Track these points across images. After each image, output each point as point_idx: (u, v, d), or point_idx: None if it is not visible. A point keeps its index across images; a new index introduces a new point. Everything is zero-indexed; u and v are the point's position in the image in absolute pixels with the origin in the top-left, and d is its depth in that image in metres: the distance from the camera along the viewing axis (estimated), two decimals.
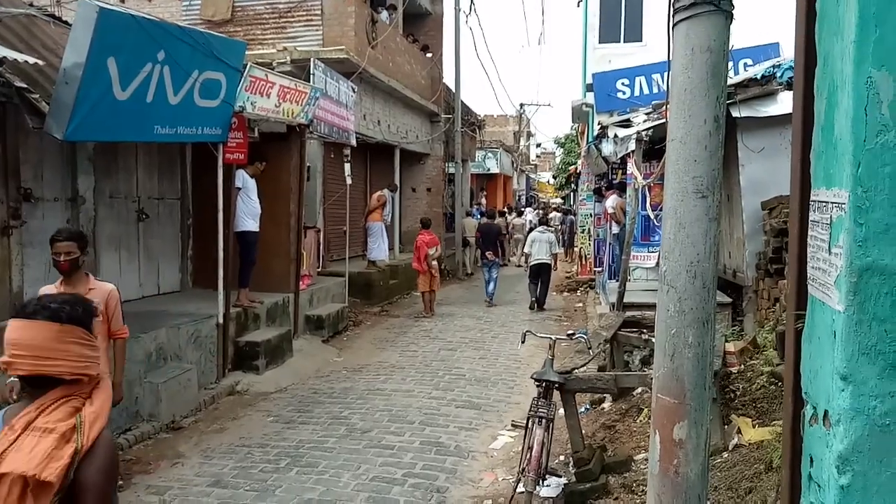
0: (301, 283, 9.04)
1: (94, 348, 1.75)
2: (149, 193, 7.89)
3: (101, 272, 7.04)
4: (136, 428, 5.57)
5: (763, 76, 6.78)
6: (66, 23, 6.95)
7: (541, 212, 23.61)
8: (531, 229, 15.89)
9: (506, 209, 24.64)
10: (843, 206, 1.72)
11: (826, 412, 1.82)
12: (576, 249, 18.26)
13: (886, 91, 1.63)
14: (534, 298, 12.46)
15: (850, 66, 1.67)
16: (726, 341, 5.60)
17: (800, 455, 2.06)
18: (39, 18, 6.47)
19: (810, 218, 2.00)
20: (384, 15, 13.97)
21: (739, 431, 4.38)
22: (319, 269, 10.98)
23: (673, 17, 2.22)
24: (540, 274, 12.36)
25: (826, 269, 1.84)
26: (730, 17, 2.15)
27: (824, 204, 1.87)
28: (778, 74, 6.67)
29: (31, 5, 7.13)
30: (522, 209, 26.52)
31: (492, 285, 13.02)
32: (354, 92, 10.94)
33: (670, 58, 2.24)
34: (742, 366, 5.26)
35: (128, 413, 5.54)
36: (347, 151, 10.78)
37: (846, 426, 1.71)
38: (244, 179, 7.51)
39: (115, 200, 7.34)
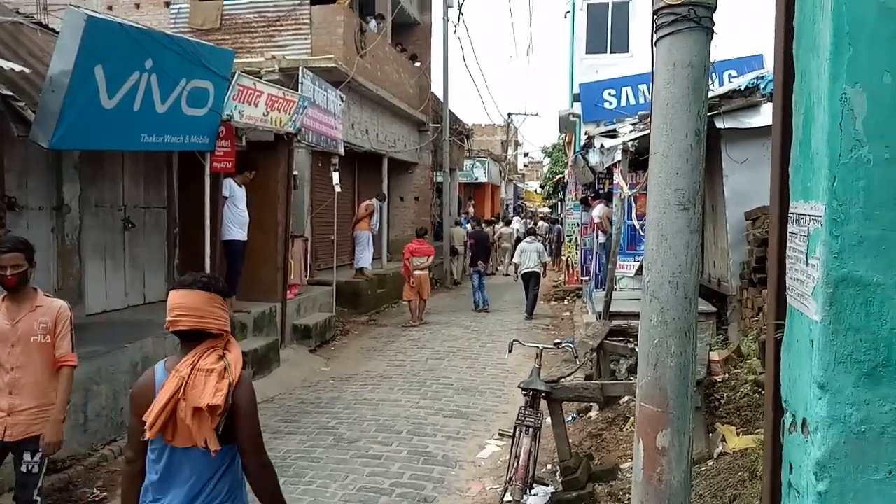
0: (288, 292, 9.01)
1: (227, 312, 2.39)
2: (135, 202, 7.85)
3: (86, 281, 7.00)
4: (122, 438, 5.50)
5: (747, 88, 6.89)
6: (52, 30, 6.93)
7: (529, 221, 23.75)
8: (518, 240, 16.33)
9: (493, 218, 24.71)
10: (820, 218, 1.76)
11: (804, 420, 1.85)
12: (563, 258, 18.40)
13: (860, 107, 1.68)
14: (527, 305, 12.64)
15: (825, 83, 1.72)
16: (711, 350, 5.66)
17: (780, 462, 2.10)
18: (26, 26, 6.45)
19: (789, 230, 2.05)
20: (372, 24, 14.03)
21: (724, 439, 4.42)
22: (307, 279, 10.95)
23: (655, 33, 2.27)
24: (529, 282, 12.57)
25: (804, 280, 1.88)
26: (710, 33, 2.21)
27: (802, 216, 1.92)
28: (761, 86, 6.78)
29: (17, 12, 7.10)
30: (510, 218, 26.62)
31: (485, 291, 13.31)
32: (342, 101, 10.98)
33: (653, 73, 2.29)
34: (726, 374, 5.32)
35: (113, 424, 5.49)
36: (335, 160, 10.79)
37: (823, 434, 1.75)
38: (231, 188, 7.50)
39: (100, 209, 7.30)
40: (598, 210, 10.93)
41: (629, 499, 4.16)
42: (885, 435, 1.72)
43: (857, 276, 1.72)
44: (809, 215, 1.85)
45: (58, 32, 5.35)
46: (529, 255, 12.65)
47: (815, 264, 1.79)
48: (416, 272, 11.62)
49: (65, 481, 4.72)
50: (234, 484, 2.29)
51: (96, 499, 4.59)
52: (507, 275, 19.73)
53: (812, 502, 1.78)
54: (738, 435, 4.36)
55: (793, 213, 2.02)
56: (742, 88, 6.90)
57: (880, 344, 1.72)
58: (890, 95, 1.67)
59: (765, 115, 6.47)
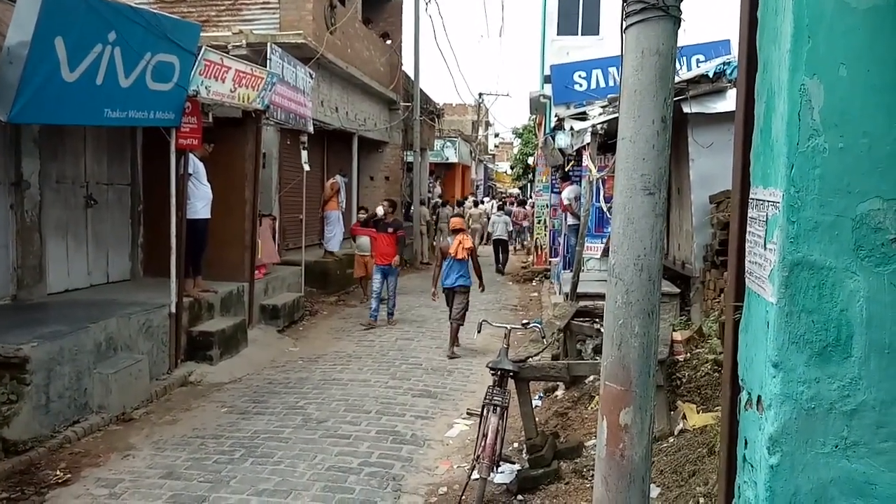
0: (256, 271, 8.93)
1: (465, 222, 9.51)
2: (97, 178, 7.66)
3: (47, 260, 6.84)
4: (85, 420, 5.44)
5: (714, 73, 6.99)
6: None
7: (497, 202, 24.55)
8: (488, 212, 19.79)
9: (464, 199, 24.76)
10: (778, 204, 1.83)
11: (759, 397, 1.94)
12: (532, 239, 18.72)
13: (818, 98, 1.75)
14: (498, 265, 16.28)
15: (785, 74, 1.78)
16: (674, 330, 5.80)
17: (737, 438, 2.19)
18: None
19: (749, 215, 2.12)
20: None
21: (685, 417, 4.56)
22: (275, 258, 10.85)
23: (625, 20, 2.30)
24: (500, 246, 16.47)
25: (762, 264, 1.96)
26: (678, 22, 2.25)
27: (761, 202, 1.98)
28: (728, 72, 6.89)
29: None
30: (481, 200, 26.73)
31: (387, 301, 10.06)
32: (312, 78, 10.80)
33: (622, 59, 2.33)
34: (688, 354, 5.47)
35: (76, 405, 5.41)
36: (304, 138, 10.65)
37: (776, 410, 1.83)
38: (194, 163, 7.33)
39: (61, 185, 7.11)
40: (568, 192, 11.04)
41: (593, 475, 4.29)
42: (833, 411, 1.82)
43: (811, 261, 1.79)
44: (768, 201, 1.92)
45: (14, 1, 5.15)
46: (498, 225, 16.48)
47: (773, 248, 1.86)
48: (360, 254, 11.20)
49: (26, 464, 4.66)
50: (469, 274, 8.45)
51: (59, 480, 4.53)
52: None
53: (765, 476, 1.87)
54: (698, 412, 4.50)
55: (753, 199, 2.09)
56: (709, 74, 7.00)
57: (831, 325, 1.80)
58: (845, 87, 1.73)
59: (730, 101, 6.57)
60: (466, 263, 8.38)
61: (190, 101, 6.73)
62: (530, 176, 27.63)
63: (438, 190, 24.78)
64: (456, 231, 8.59)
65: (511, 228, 17.11)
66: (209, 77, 7.08)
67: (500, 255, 16.26)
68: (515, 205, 23.77)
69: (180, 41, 6.26)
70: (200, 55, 6.81)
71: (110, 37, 5.35)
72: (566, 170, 12.10)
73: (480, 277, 8.66)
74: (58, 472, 4.62)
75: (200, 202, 7.43)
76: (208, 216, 7.55)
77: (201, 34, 7.12)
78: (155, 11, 6.64)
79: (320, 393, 6.60)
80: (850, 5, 1.72)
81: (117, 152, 7.97)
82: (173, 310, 6.84)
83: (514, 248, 18.01)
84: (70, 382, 5.34)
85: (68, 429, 5.23)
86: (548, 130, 14.17)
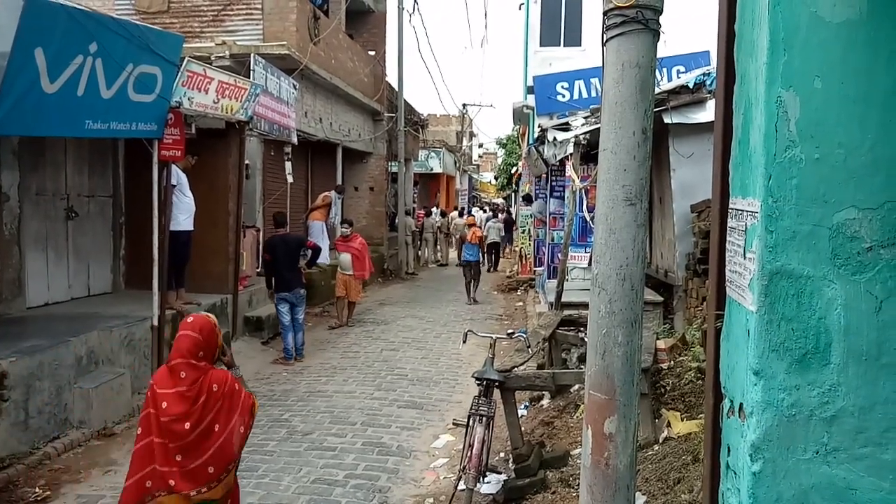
0: (240, 283, 8.86)
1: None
2: (78, 190, 7.58)
3: (27, 273, 6.74)
4: (66, 435, 5.35)
5: (694, 84, 7.09)
6: None
7: (487, 210, 25.19)
8: (487, 219, 21.39)
9: (451, 209, 24.86)
10: (756, 214, 1.86)
11: (741, 405, 1.96)
12: (516, 249, 18.96)
13: (794, 110, 1.78)
14: (490, 265, 18.78)
15: (762, 86, 1.82)
16: (657, 338, 5.84)
17: (720, 445, 2.21)
18: None
19: (728, 224, 2.15)
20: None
21: (669, 425, 4.59)
22: (259, 270, 10.78)
23: (605, 33, 2.33)
24: (493, 248, 18.92)
25: (741, 273, 1.99)
26: (657, 35, 2.28)
27: (740, 212, 2.02)
28: (707, 83, 6.99)
29: None
30: (462, 209, 26.89)
31: (294, 336, 8.41)
32: (296, 89, 10.81)
33: (603, 72, 2.36)
34: (672, 362, 5.50)
35: (56, 420, 5.32)
36: (288, 149, 10.64)
37: (758, 417, 1.86)
38: (177, 175, 7.28)
39: (41, 197, 7.03)
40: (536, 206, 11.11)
41: (579, 484, 4.29)
42: (813, 418, 1.84)
43: (789, 269, 1.82)
44: (747, 211, 1.95)
45: None
46: (492, 230, 18.67)
47: (752, 257, 1.89)
48: (341, 272, 10.58)
49: (4, 481, 4.56)
50: (478, 253, 14.00)
51: (38, 498, 4.45)
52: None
53: (748, 482, 1.89)
54: (682, 420, 4.53)
55: (732, 209, 2.12)
56: (689, 85, 7.10)
57: (810, 333, 1.83)
58: (820, 99, 1.77)
59: (710, 112, 6.66)
60: (477, 246, 13.63)
61: (172, 112, 6.69)
62: (514, 186, 27.82)
63: (436, 206, 24.93)
64: (470, 225, 14.48)
65: (504, 234, 20.10)
66: (192, 88, 7.06)
67: (494, 256, 19.28)
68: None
69: (163, 52, 6.23)
70: (183, 66, 6.80)
71: (91, 48, 5.31)
72: (525, 194, 12.92)
73: (484, 255, 14.89)
74: (37, 490, 4.54)
75: (183, 214, 7.36)
76: (191, 228, 7.49)
77: (184, 45, 7.10)
78: (137, 23, 6.62)
79: (305, 405, 6.55)
80: (824, 19, 1.76)
81: (98, 164, 7.90)
82: (156, 323, 6.76)
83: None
84: (50, 397, 5.25)
85: (48, 445, 5.13)
86: (531, 141, 14.27)
